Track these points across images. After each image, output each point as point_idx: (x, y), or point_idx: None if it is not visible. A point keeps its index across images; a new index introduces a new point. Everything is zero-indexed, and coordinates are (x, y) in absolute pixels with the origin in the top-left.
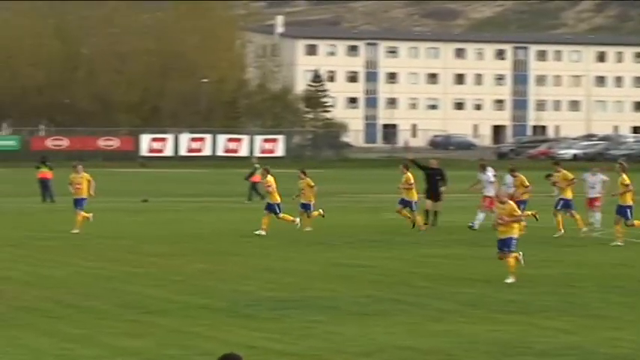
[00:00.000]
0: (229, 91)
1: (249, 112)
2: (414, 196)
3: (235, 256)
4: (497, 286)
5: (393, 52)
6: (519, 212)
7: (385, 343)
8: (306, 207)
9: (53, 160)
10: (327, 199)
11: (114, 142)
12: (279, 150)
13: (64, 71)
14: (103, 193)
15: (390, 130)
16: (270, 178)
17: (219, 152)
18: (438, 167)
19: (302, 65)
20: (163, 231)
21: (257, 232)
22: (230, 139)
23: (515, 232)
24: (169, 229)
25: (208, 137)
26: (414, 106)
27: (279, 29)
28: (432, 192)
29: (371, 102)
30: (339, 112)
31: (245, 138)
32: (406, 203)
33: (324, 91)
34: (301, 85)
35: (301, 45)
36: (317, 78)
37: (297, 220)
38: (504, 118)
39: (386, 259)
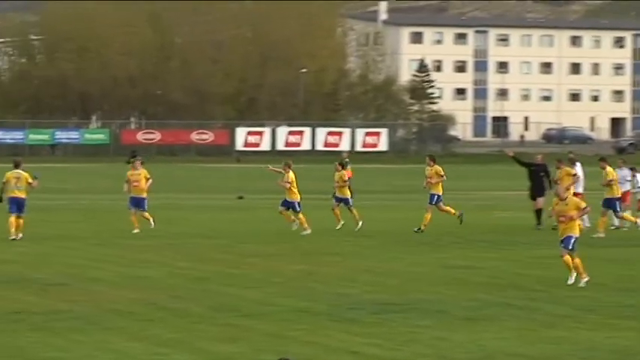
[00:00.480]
0: (329, 82)
1: (350, 104)
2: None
3: (336, 256)
4: (612, 290)
5: (503, 39)
6: (584, 204)
7: (494, 349)
8: (340, 200)
9: (144, 154)
10: None
11: (208, 136)
12: (382, 144)
13: (157, 61)
14: (197, 190)
15: (500, 123)
16: (291, 174)
17: (319, 147)
18: (542, 163)
19: (407, 54)
20: (260, 230)
21: (303, 234)
22: (330, 133)
23: (576, 230)
24: (267, 228)
25: (307, 131)
26: (526, 97)
27: (383, 16)
28: (536, 189)
29: (480, 93)
30: (445, 104)
31: (346, 131)
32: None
33: (430, 81)
34: (406, 75)
35: (406, 33)
36: (422, 68)
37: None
38: (623, 110)
39: (495, 260)
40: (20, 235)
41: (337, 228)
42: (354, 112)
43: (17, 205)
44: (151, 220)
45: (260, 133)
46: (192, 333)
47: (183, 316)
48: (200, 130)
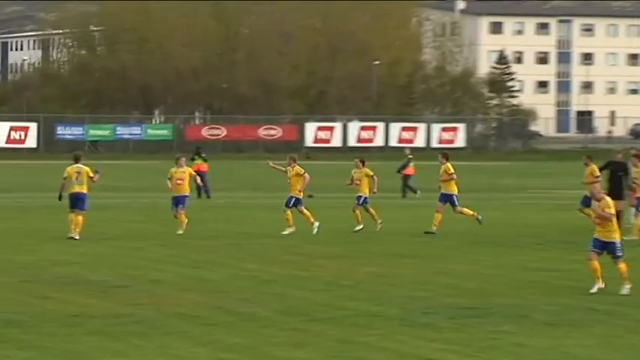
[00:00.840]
0: (404, 75)
1: (425, 97)
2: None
3: (409, 258)
4: None
5: (588, 29)
6: (612, 210)
7: (578, 356)
8: (361, 199)
9: (209, 151)
10: (513, 195)
11: (276, 132)
12: (460, 140)
13: (222, 53)
14: (264, 188)
15: (584, 118)
16: (297, 168)
17: (392, 142)
18: (622, 161)
19: (485, 45)
20: (330, 230)
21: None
22: (404, 129)
23: (617, 235)
24: (337, 228)
25: (380, 126)
26: (612, 90)
27: (460, 5)
28: (615, 190)
29: (563, 86)
30: (526, 98)
31: (421, 127)
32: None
33: (511, 74)
34: (484, 67)
35: (485, 22)
36: (502, 59)
37: (316, 226)
38: None
39: (579, 262)
40: (77, 233)
41: (355, 229)
42: (430, 107)
43: (78, 201)
44: (184, 224)
45: (330, 129)
46: (259, 338)
47: (249, 320)
48: (268, 126)
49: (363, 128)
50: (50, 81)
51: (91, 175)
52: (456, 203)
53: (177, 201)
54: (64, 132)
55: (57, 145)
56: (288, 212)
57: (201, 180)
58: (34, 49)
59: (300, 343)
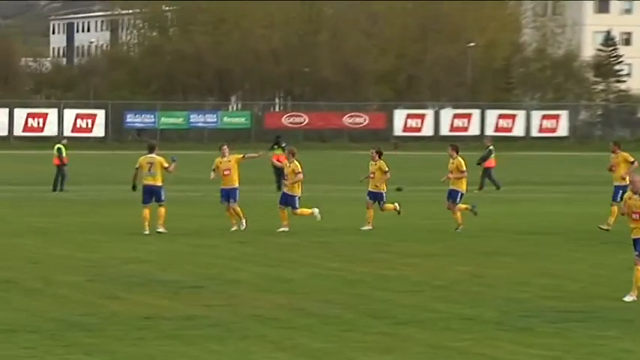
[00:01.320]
0: (501, 58)
1: (524, 82)
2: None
3: (507, 256)
4: None
5: None
6: None
7: None
8: (374, 196)
9: (290, 140)
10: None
11: (362, 119)
12: (562, 129)
13: (304, 34)
14: (350, 180)
15: None
16: (296, 164)
17: (489, 131)
18: None
19: (590, 25)
20: (420, 226)
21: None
22: (501, 116)
23: None
24: (427, 224)
25: (475, 113)
26: None
27: None
28: None
29: None
30: (635, 82)
31: (520, 114)
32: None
33: (618, 56)
34: (589, 49)
35: (589, 1)
36: (609, 41)
37: (316, 213)
38: None
39: None
40: (162, 226)
41: (362, 228)
42: (530, 92)
43: (151, 194)
44: (243, 220)
45: (421, 116)
46: (343, 342)
47: (332, 324)
48: (353, 113)
49: (456, 116)
50: (119, 65)
51: (166, 165)
52: (458, 200)
53: (227, 194)
54: (134, 120)
55: (126, 134)
56: (285, 211)
57: (281, 171)
58: (101, 30)
59: (387, 349)
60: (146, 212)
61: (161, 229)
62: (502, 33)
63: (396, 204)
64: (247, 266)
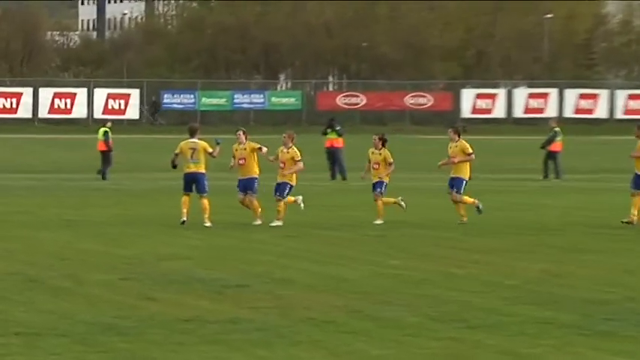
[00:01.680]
0: (582, 31)
1: (608, 58)
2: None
3: (590, 253)
4: None
5: None
6: None
7: None
8: (377, 186)
9: (346, 123)
10: None
11: (426, 100)
12: None
13: (360, 6)
14: (411, 168)
15: None
16: (294, 150)
17: (568, 113)
18: None
19: None
20: (493, 219)
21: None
22: (582, 96)
23: None
24: (501, 217)
25: (553, 92)
26: None
27: None
28: None
29: None
30: None
31: (603, 94)
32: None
33: None
34: None
35: None
36: None
37: (300, 201)
38: None
39: None
40: (207, 220)
41: (375, 222)
42: (613, 69)
43: (193, 183)
44: (258, 219)
45: (492, 96)
46: (406, 348)
47: (394, 328)
48: (415, 93)
49: (531, 95)
50: (155, 39)
51: (210, 150)
52: (462, 189)
53: (245, 186)
54: (172, 100)
55: (164, 117)
56: (282, 204)
57: (335, 158)
58: (135, 0)
59: (455, 355)
60: (186, 198)
61: (208, 224)
62: (583, 3)
63: (399, 198)
64: (298, 263)
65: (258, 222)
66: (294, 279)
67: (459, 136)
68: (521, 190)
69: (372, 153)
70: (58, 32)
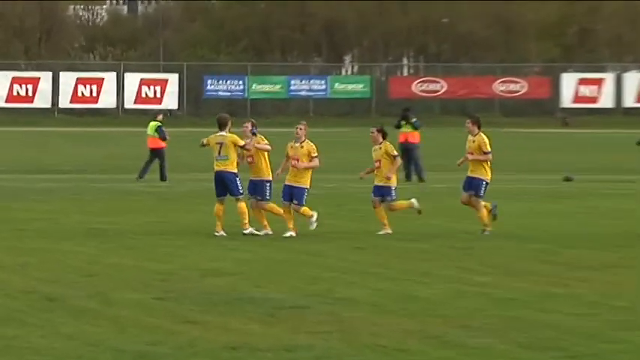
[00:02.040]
0: None
1: None
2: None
3: None
4: None
5: None
6: None
7: None
8: (380, 191)
9: (421, 113)
10: None
11: (519, 86)
12: None
13: None
14: (503, 167)
15: None
16: (310, 145)
17: None
18: None
19: None
20: (597, 228)
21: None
22: None
23: None
24: (607, 225)
25: None
26: None
27: None
28: None
29: None
30: None
31: None
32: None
33: None
34: None
35: None
36: None
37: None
38: None
39: None
40: (245, 226)
41: (379, 233)
42: None
43: (221, 184)
44: (264, 230)
45: (598, 82)
46: None
47: (479, 356)
48: (506, 78)
49: None
50: (197, 16)
51: (241, 143)
52: (482, 192)
53: (254, 188)
54: (217, 87)
55: (206, 106)
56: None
57: (411, 155)
58: None
59: None
60: (219, 208)
61: (247, 231)
62: None
63: (413, 200)
64: (365, 280)
65: (261, 232)
66: (360, 299)
67: (478, 128)
68: (632, 194)
69: (374, 150)
70: (82, 6)
